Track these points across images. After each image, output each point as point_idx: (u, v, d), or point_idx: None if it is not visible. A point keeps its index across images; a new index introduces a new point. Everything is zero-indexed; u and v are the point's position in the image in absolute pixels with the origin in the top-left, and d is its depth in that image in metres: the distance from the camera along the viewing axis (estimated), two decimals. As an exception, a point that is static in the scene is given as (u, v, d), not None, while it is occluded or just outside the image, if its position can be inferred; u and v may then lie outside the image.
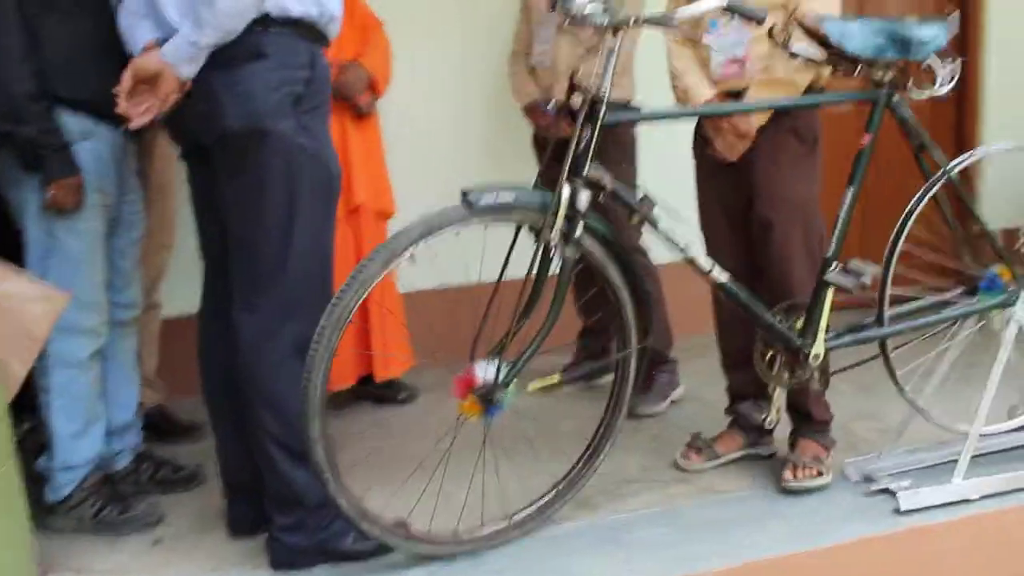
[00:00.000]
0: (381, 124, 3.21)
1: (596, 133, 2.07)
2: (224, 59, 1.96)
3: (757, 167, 2.36)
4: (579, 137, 2.09)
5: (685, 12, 2.00)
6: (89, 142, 2.35)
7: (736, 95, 2.38)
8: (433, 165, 3.62)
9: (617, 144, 2.87)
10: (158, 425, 2.97)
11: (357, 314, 3.05)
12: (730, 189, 2.45)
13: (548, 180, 3.11)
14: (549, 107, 3.04)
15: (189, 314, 2.68)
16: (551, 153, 3.10)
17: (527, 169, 3.30)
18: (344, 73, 2.95)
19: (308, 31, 2.05)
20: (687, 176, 2.62)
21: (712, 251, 2.47)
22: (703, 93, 2.40)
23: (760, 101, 2.30)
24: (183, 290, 3.31)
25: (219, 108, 1.99)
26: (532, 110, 3.17)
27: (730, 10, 1.98)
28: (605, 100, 2.05)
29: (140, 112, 2.00)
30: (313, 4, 2.04)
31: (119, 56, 2.10)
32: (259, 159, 2.01)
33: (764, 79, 2.32)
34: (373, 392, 3.28)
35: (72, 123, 2.33)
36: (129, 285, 2.59)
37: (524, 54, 3.26)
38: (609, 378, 2.35)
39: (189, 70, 1.95)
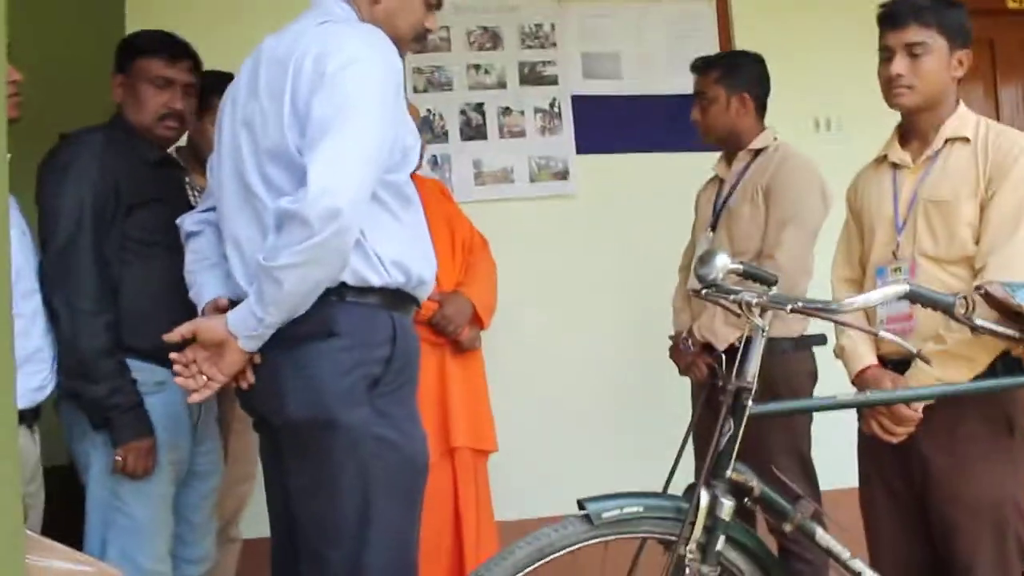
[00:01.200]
0: (485, 352, 2.95)
1: (741, 428, 1.73)
2: (289, 336, 1.69)
3: (933, 459, 1.95)
4: (721, 431, 1.75)
5: (860, 300, 1.67)
6: (162, 393, 2.15)
7: (900, 362, 2.01)
8: (539, 396, 3.35)
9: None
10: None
11: (452, 554, 2.78)
12: (897, 474, 2.04)
13: (700, 431, 2.57)
14: (687, 345, 2.63)
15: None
16: (703, 402, 2.74)
17: (660, 414, 2.97)
18: (444, 306, 2.69)
19: (392, 299, 1.77)
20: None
21: (873, 538, 2.10)
22: (862, 359, 2.05)
23: (927, 386, 1.91)
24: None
25: (282, 393, 1.72)
26: (674, 344, 2.78)
27: (911, 298, 1.64)
28: (752, 391, 1.72)
29: (201, 385, 1.75)
30: (398, 271, 1.75)
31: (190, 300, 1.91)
32: (327, 453, 1.71)
33: (936, 351, 1.92)
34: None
35: (145, 374, 2.14)
36: (202, 539, 2.34)
37: (687, 272, 2.83)
38: None
39: (252, 345, 1.70)
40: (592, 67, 3.58)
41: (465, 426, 2.74)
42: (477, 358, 2.86)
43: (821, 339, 2.59)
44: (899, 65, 2.02)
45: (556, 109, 3.53)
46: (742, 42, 3.63)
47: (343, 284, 1.69)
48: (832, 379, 2.33)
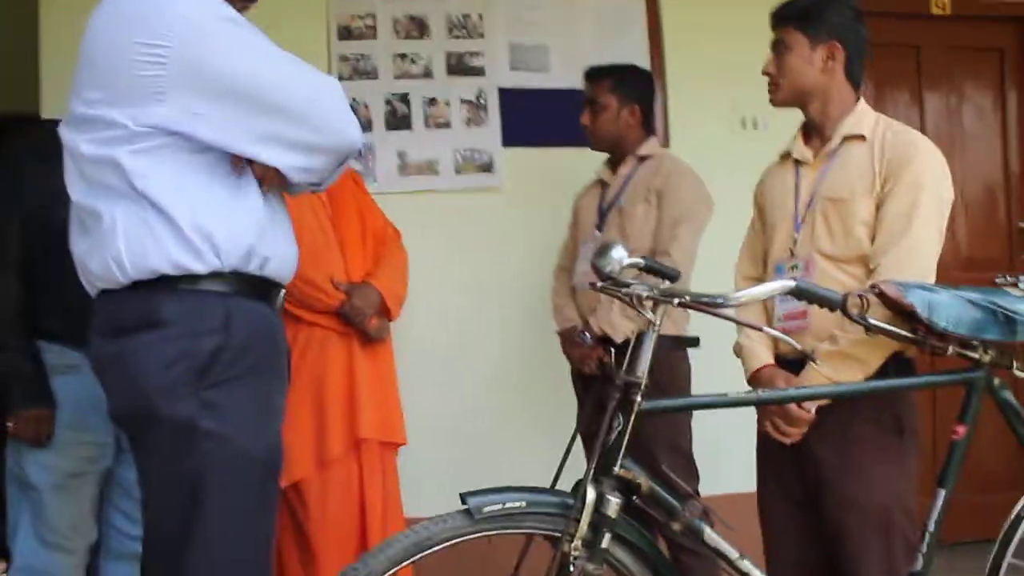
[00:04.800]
0: (399, 342, 2.91)
1: (630, 424, 1.71)
2: (114, 327, 1.62)
3: (825, 461, 1.94)
4: (610, 426, 1.73)
5: (744, 295, 1.66)
6: (72, 376, 2.25)
7: (796, 362, 2.00)
8: (452, 389, 3.33)
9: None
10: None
11: (359, 548, 2.72)
12: (792, 476, 2.03)
13: (588, 424, 2.80)
14: (584, 337, 2.70)
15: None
16: (593, 397, 2.79)
17: (561, 402, 2.98)
18: (352, 296, 2.64)
19: (228, 283, 1.63)
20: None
21: (769, 540, 2.10)
22: (758, 358, 2.04)
23: (822, 386, 1.90)
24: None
25: (106, 387, 1.66)
26: (565, 338, 2.86)
27: (798, 294, 1.63)
28: (642, 387, 1.70)
29: None
30: (231, 251, 1.61)
31: None
32: (152, 448, 1.62)
33: (829, 351, 1.92)
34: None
35: (55, 355, 2.26)
36: None
37: (570, 271, 2.98)
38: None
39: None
40: (520, 59, 3.55)
41: (372, 417, 2.68)
42: (386, 349, 2.81)
43: (694, 341, 2.73)
44: (768, 65, 2.10)
45: (483, 101, 3.50)
46: (671, 38, 3.64)
47: (164, 276, 1.58)
48: (715, 380, 2.35)
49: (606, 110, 2.86)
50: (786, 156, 2.17)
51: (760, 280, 2.14)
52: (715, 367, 2.32)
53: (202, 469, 1.58)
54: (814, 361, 1.81)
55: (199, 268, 1.59)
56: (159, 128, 1.57)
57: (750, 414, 2.10)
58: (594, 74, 2.93)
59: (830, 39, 2.05)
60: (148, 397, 1.57)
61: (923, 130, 3.93)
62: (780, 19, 2.09)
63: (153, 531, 1.64)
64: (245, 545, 1.64)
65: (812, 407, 1.91)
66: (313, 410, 2.64)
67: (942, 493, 1.87)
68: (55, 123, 2.18)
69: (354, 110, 3.26)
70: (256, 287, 1.68)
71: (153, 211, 1.58)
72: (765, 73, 2.10)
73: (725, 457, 2.70)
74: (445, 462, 3.23)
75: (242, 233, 1.63)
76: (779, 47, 2.08)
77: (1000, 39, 4.11)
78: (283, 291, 1.81)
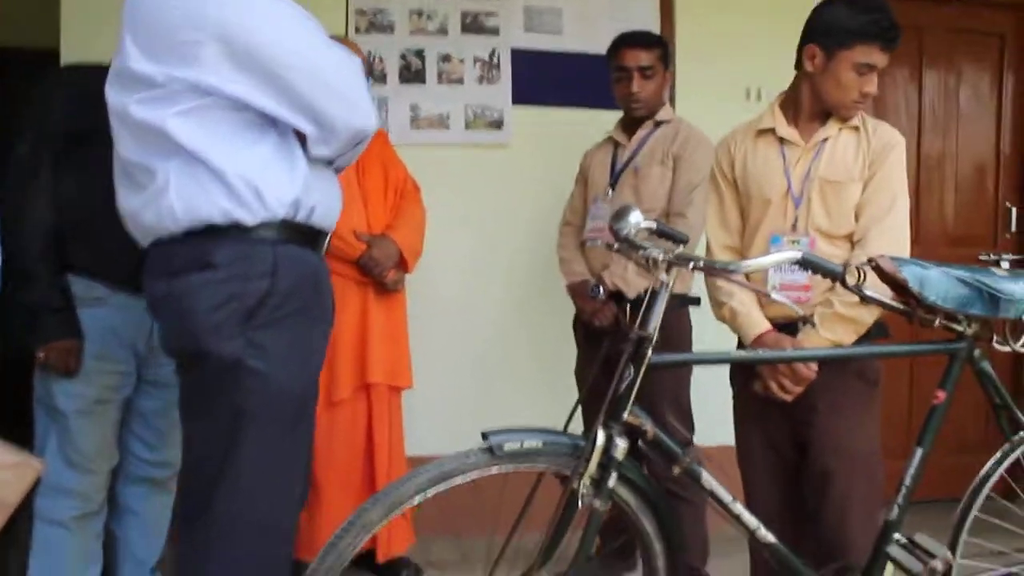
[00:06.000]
0: (408, 291, 3.03)
1: (640, 376, 1.84)
2: (169, 268, 1.72)
3: (816, 412, 2.12)
4: (621, 376, 1.86)
5: (752, 264, 1.79)
6: (98, 308, 2.32)
7: (790, 325, 2.16)
8: (458, 335, 3.45)
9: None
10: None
11: (362, 485, 2.88)
12: (779, 431, 2.21)
13: (584, 367, 3.01)
14: (596, 292, 2.82)
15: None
16: (586, 343, 2.96)
17: (562, 350, 3.12)
18: (372, 248, 2.76)
19: (276, 232, 1.73)
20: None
21: (751, 491, 2.27)
22: (758, 324, 2.18)
23: (824, 347, 2.07)
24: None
25: (160, 323, 1.78)
26: (577, 292, 2.97)
27: (804, 265, 1.76)
28: (652, 341, 1.84)
29: None
30: (277, 203, 1.71)
31: None
32: (197, 382, 1.74)
33: (827, 313, 2.09)
34: (375, 571, 2.99)
35: (82, 288, 2.31)
36: (163, 445, 2.48)
37: (577, 227, 3.09)
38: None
39: None
40: (534, 21, 3.63)
41: (382, 363, 2.82)
42: (399, 299, 2.94)
43: (696, 300, 2.83)
44: (873, 86, 2.14)
45: (495, 60, 3.58)
46: (682, 9, 3.71)
47: (215, 225, 1.67)
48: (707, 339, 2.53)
49: (655, 77, 2.93)
50: (764, 132, 2.27)
51: (737, 250, 2.29)
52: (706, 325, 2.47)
53: (245, 405, 1.70)
54: (812, 324, 1.96)
55: (248, 219, 1.69)
56: (196, 87, 1.65)
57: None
58: (648, 42, 2.97)
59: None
60: (197, 335, 1.67)
61: (920, 108, 4.11)
62: (896, 42, 2.14)
63: (191, 461, 1.76)
64: (276, 477, 1.76)
65: (815, 366, 2.07)
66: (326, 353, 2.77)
67: (919, 452, 2.01)
68: (87, 68, 2.27)
69: (369, 63, 3.43)
70: (303, 234, 1.78)
71: (202, 166, 1.67)
72: (868, 95, 2.14)
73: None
74: (448, 404, 3.38)
75: (287, 187, 1.73)
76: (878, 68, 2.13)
77: (1002, 24, 4.20)
78: (329, 237, 1.91)
